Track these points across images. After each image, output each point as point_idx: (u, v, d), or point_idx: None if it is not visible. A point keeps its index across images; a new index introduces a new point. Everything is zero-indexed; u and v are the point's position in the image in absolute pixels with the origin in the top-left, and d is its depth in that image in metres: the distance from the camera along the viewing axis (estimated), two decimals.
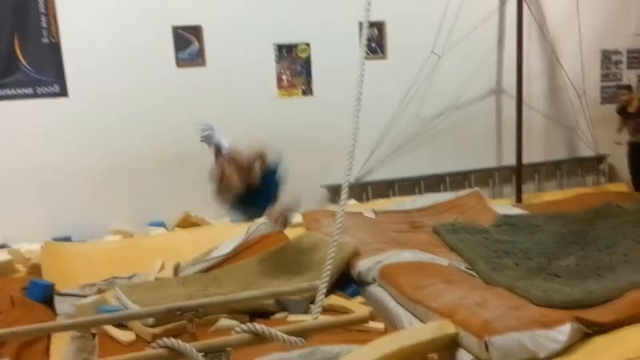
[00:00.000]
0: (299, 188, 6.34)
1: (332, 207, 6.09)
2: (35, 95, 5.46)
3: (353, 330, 3.51)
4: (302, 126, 6.26)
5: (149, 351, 1.90)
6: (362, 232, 5.29)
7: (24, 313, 4.02)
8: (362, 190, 6.53)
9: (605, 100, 7.36)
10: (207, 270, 4.95)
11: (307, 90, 6.32)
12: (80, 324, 3.17)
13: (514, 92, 6.56)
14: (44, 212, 5.50)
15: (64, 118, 5.53)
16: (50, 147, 5.51)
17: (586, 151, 7.29)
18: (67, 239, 5.38)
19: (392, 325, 3.78)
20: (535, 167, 7.09)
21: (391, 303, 3.95)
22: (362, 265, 4.44)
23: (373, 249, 4.73)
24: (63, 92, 5.52)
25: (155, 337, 3.50)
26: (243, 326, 1.98)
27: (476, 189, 6.45)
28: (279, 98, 6.20)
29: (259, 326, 1.98)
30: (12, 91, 5.39)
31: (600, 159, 7.33)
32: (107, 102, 5.63)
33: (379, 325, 3.58)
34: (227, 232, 5.59)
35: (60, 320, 3.79)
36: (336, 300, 4.11)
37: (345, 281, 4.54)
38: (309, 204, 6.21)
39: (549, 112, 7.16)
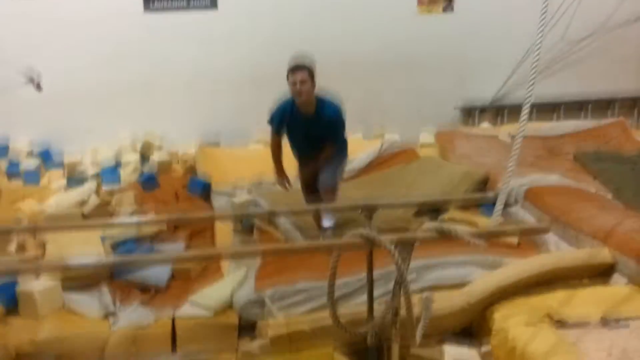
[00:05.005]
0: (432, 107, 6.38)
1: (466, 129, 6.05)
2: (188, 7, 5.76)
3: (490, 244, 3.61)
4: (439, 44, 6.15)
5: (346, 238, 2.10)
6: (500, 155, 5.23)
7: (189, 206, 4.50)
8: (497, 113, 6.38)
9: None
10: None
11: (448, 7, 6.15)
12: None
13: None
14: (195, 118, 5.93)
15: (214, 29, 5.81)
16: (201, 57, 5.85)
17: None
18: (216, 143, 5.81)
19: (535, 246, 3.80)
20: None
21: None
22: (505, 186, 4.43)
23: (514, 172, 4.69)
24: (213, 4, 5.77)
25: None
26: (431, 225, 2.12)
27: (621, 118, 6.10)
28: (419, 14, 6.10)
29: (445, 226, 2.11)
30: (168, 3, 5.72)
31: None
32: (253, 13, 5.82)
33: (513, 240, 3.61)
34: (361, 147, 5.77)
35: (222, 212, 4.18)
36: (459, 214, 4.13)
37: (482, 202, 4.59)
38: (442, 124, 6.21)
39: None
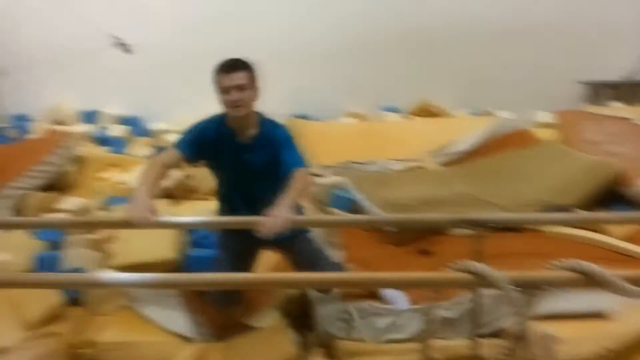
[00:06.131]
0: (551, 81, 5.56)
1: (593, 109, 5.21)
2: None
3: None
4: (562, 8, 5.31)
5: (449, 273, 1.60)
6: (636, 143, 4.43)
7: None
8: (632, 91, 5.47)
9: None
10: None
11: None
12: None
13: None
14: (283, 88, 5.55)
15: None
16: (292, 27, 5.45)
17: None
18: (304, 116, 5.42)
19: None
20: None
21: None
22: None
23: None
24: None
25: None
26: (569, 263, 1.57)
27: None
28: None
29: (588, 265, 1.54)
30: None
31: None
32: None
33: None
34: (468, 125, 5.13)
35: None
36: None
37: (611, 201, 3.87)
38: (562, 102, 5.41)
39: None
